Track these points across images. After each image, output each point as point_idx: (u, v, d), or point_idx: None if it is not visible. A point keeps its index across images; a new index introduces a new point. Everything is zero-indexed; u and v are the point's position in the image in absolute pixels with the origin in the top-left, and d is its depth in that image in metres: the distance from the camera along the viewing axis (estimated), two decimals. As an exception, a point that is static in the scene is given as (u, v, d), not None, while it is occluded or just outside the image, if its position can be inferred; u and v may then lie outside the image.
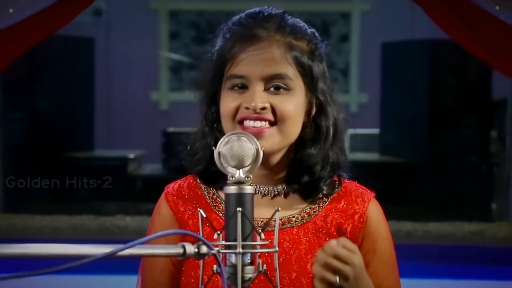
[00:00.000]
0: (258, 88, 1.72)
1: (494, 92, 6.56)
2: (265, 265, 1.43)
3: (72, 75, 6.98)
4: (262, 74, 1.72)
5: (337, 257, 1.60)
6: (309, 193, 1.79)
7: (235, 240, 1.39)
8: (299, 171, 1.78)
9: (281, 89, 1.73)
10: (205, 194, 1.82)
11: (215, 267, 1.40)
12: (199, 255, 1.34)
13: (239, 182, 1.41)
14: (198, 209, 1.56)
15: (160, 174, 6.94)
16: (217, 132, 1.78)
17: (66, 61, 6.93)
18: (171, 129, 7.02)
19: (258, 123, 1.72)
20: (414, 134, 6.85)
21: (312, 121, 1.79)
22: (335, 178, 1.82)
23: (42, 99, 6.79)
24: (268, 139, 1.71)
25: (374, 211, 1.81)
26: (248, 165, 1.43)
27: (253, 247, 1.40)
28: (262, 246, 1.43)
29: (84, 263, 1.24)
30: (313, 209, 1.79)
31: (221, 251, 1.38)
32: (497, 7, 4.80)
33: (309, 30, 1.81)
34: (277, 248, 1.48)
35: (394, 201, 6.01)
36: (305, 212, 1.79)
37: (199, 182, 1.84)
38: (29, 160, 6.49)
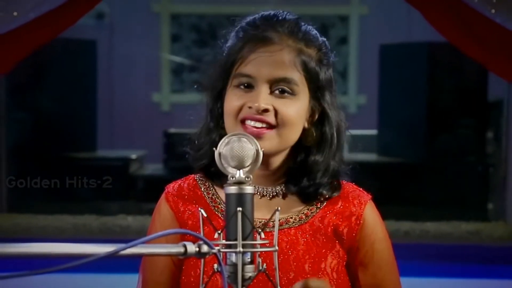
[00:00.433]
0: (263, 89, 1.73)
1: (490, 94, 6.51)
2: (265, 264, 1.43)
3: (74, 77, 6.90)
4: (269, 76, 1.73)
5: None
6: (307, 196, 1.80)
7: (236, 239, 1.39)
8: (300, 174, 1.79)
9: (286, 93, 1.74)
10: (204, 194, 1.83)
11: (215, 266, 1.41)
12: (200, 254, 1.34)
13: (239, 182, 1.42)
14: (199, 209, 1.56)
15: (162, 174, 6.89)
16: (222, 129, 1.79)
17: (69, 63, 6.86)
18: (172, 130, 6.99)
19: (259, 124, 1.72)
20: (411, 135, 6.80)
21: (314, 127, 1.79)
22: (335, 181, 1.82)
23: (45, 100, 6.71)
24: (267, 141, 1.72)
25: (371, 213, 1.82)
26: (248, 166, 1.44)
27: (253, 246, 1.41)
28: (262, 246, 1.44)
29: (86, 262, 1.25)
30: (310, 210, 1.81)
31: (222, 250, 1.38)
32: (493, 10, 4.80)
33: (320, 39, 1.81)
34: (276, 248, 1.48)
35: (392, 201, 5.99)
36: (303, 213, 1.80)
37: (199, 182, 1.85)
38: (32, 160, 6.42)
